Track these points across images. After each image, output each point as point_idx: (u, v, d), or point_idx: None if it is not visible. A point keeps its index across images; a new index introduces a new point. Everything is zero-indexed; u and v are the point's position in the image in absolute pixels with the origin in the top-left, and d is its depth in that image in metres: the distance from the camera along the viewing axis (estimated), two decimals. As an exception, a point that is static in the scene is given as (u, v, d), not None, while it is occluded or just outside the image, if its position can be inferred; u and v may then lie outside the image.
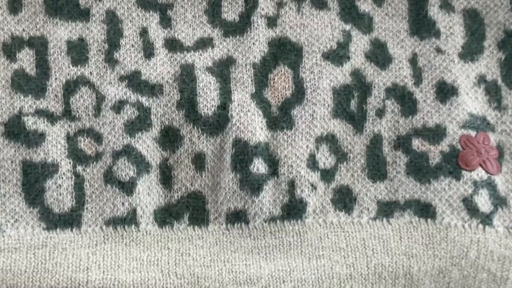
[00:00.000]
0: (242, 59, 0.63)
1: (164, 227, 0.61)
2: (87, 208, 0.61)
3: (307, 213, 0.61)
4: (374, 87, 0.64)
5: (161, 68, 0.63)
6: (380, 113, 0.64)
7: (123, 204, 0.61)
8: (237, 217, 0.61)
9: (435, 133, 0.63)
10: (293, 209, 0.61)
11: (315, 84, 0.63)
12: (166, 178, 0.62)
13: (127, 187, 0.61)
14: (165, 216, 0.62)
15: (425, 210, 0.62)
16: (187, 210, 0.62)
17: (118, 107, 0.62)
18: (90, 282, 0.58)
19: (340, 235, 0.61)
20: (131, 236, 0.60)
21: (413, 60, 0.65)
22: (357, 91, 0.64)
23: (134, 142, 0.61)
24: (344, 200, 0.62)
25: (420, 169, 0.63)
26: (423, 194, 0.62)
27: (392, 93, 0.64)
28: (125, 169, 0.61)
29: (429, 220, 0.62)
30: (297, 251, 0.60)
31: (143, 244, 0.60)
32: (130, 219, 0.61)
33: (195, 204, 0.62)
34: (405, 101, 0.64)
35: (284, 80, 0.63)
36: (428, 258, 0.60)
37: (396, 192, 0.62)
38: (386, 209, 0.62)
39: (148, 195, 0.61)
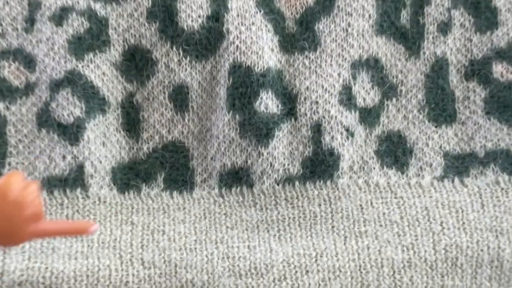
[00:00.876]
0: (243, -48, 0.59)
1: (127, 193, 0.55)
2: (9, 164, 0.55)
3: (340, 171, 0.55)
4: (435, -9, 0.58)
5: (124, -37, 0.59)
6: (445, 28, 0.58)
7: (64, 157, 0.54)
8: (236, 177, 0.55)
9: (527, 55, 0.58)
10: (320, 165, 0.55)
11: (349, -13, 0.57)
12: (131, 121, 0.56)
13: (71, 133, 0.54)
14: (129, 176, 0.56)
15: (518, 165, 0.56)
16: (161, 168, 0.56)
17: (60, 17, 0.55)
18: (6, 273, 0.51)
19: (390, 203, 0.55)
20: (75, 205, 0.54)
21: (489, -46, 0.61)
22: (411, -3, 0.58)
23: (83, 67, 0.55)
24: (395, 152, 0.56)
25: (506, 106, 0.57)
26: (514, 142, 0.57)
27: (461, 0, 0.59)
28: (68, 107, 0.54)
29: (525, 179, 0.57)
30: (327, 227, 0.54)
31: (93, 216, 0.54)
32: (74, 180, 0.54)
33: (173, 160, 0.56)
34: (481, 10, 0.58)
35: (305, -18, 0.57)
36: (526, 236, 0.54)
37: (472, 141, 0.57)
38: (458, 165, 0.57)
39: (103, 145, 0.55)
